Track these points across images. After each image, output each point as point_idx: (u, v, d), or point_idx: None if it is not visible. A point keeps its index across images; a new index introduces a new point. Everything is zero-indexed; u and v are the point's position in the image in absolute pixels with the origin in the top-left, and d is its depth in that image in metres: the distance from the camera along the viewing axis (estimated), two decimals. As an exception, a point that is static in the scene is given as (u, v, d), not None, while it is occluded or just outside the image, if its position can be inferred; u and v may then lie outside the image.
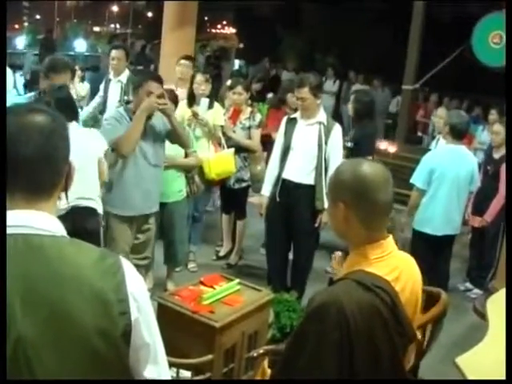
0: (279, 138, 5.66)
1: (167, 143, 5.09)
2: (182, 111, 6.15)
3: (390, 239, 2.19)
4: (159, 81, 4.85)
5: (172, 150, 5.29)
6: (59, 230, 1.57)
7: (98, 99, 7.27)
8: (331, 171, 5.17)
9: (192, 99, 6.23)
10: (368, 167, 2.15)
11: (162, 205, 5.32)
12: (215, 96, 6.70)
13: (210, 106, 6.28)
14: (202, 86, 6.16)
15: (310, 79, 5.42)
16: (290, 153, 5.50)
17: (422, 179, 5.45)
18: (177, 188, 5.54)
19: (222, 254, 6.92)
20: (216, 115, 6.26)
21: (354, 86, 15.06)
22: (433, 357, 3.53)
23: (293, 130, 5.52)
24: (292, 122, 5.58)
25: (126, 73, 6.92)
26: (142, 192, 4.90)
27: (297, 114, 5.60)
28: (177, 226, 5.63)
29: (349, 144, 6.38)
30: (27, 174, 1.53)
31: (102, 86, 7.23)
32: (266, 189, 5.69)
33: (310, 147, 5.40)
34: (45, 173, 1.56)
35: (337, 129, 5.50)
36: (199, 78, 6.19)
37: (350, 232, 2.16)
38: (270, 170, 5.71)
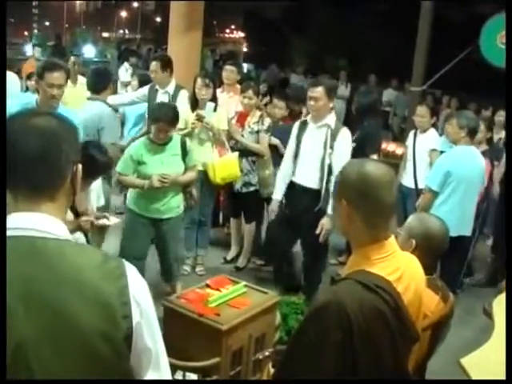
0: (291, 141, 5.66)
1: (167, 163, 5.19)
2: (186, 116, 6.16)
3: (393, 239, 2.18)
4: None
5: (172, 169, 5.22)
6: (63, 233, 1.57)
7: (141, 109, 7.19)
8: (334, 175, 5.18)
9: (195, 103, 6.22)
10: (372, 167, 2.15)
11: (157, 221, 5.27)
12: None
13: (215, 110, 6.28)
14: (202, 90, 6.12)
15: (325, 80, 5.46)
16: (299, 156, 5.49)
17: (437, 181, 5.45)
18: (175, 204, 5.37)
19: (229, 257, 6.91)
20: (219, 119, 6.24)
21: (385, 92, 14.96)
22: (441, 359, 3.51)
23: (303, 133, 5.52)
24: (303, 125, 5.58)
25: (173, 83, 6.78)
26: None
27: (308, 117, 5.59)
28: (171, 243, 5.43)
29: (352, 144, 6.38)
30: (28, 174, 1.54)
31: (142, 93, 7.19)
32: (276, 192, 5.69)
33: (317, 150, 5.38)
34: (44, 173, 1.56)
35: (344, 132, 5.44)
36: (199, 82, 6.15)
37: (353, 231, 2.15)
38: (281, 173, 5.70)
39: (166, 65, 6.82)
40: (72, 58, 8.28)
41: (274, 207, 5.72)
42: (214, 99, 6.29)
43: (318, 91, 5.31)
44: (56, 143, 1.57)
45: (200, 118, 6.05)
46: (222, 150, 6.27)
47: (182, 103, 6.36)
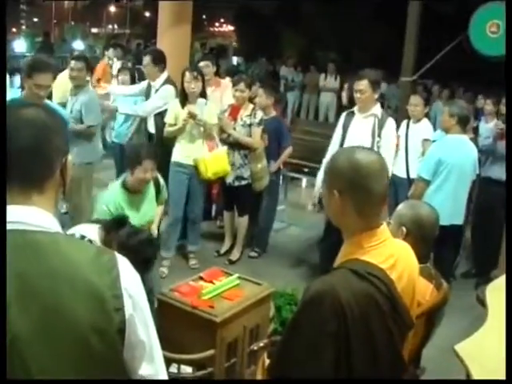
0: (338, 131, 5.80)
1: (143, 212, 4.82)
2: (176, 111, 6.13)
3: (385, 227, 2.17)
4: None
5: (147, 217, 4.84)
6: (53, 225, 1.56)
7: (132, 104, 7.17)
8: None
9: (184, 98, 6.18)
10: (363, 155, 2.13)
11: None
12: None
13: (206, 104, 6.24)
14: (192, 84, 6.08)
15: (369, 73, 5.59)
16: (345, 145, 5.55)
17: (429, 170, 5.50)
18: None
19: (222, 250, 6.91)
20: (210, 114, 6.22)
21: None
22: (436, 347, 3.52)
23: (349, 123, 5.69)
24: (350, 115, 5.75)
25: (161, 78, 6.75)
26: None
27: (355, 108, 5.73)
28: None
29: None
30: (18, 166, 1.53)
31: (141, 87, 7.17)
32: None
33: (364, 139, 5.45)
34: (34, 165, 1.55)
35: (390, 122, 5.65)
36: (188, 76, 6.11)
37: (345, 220, 2.14)
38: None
39: (156, 59, 6.80)
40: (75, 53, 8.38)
41: (316, 193, 5.89)
42: (203, 93, 6.26)
43: (363, 84, 5.54)
44: (45, 134, 1.57)
45: (192, 116, 6.01)
46: (211, 145, 6.26)
47: (163, 98, 6.37)
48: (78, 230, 3.29)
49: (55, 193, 1.62)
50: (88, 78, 6.70)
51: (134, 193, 4.73)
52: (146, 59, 6.78)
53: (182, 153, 6.19)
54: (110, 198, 4.64)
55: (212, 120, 6.20)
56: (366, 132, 5.55)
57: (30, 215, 1.52)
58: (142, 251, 3.29)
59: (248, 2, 25.87)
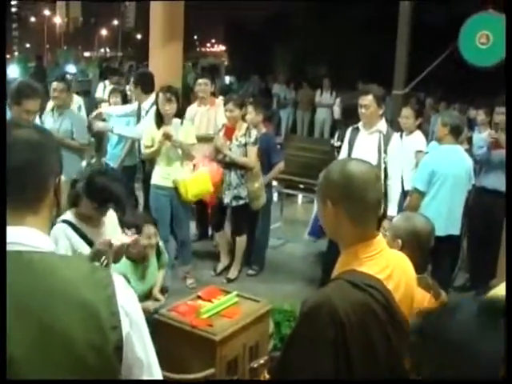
0: (344, 148, 5.80)
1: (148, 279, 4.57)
2: (153, 133, 6.09)
3: (381, 237, 2.17)
4: None
5: (150, 284, 4.60)
6: (48, 246, 1.55)
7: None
8: (391, 180, 5.46)
9: (159, 119, 6.12)
10: (355, 165, 2.14)
11: None
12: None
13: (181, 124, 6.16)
14: (166, 106, 6.01)
15: (374, 88, 5.60)
16: None
17: (423, 181, 5.49)
18: None
19: (219, 269, 6.86)
20: (187, 133, 6.16)
21: None
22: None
23: (355, 139, 5.67)
24: (355, 131, 5.74)
25: (149, 101, 6.83)
26: None
27: (360, 124, 5.71)
28: None
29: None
30: (12, 186, 1.52)
31: (132, 108, 7.25)
32: None
33: (370, 155, 5.40)
34: (28, 185, 1.55)
35: (396, 137, 5.68)
36: (161, 97, 6.05)
37: (341, 231, 2.14)
38: None
39: (140, 82, 6.99)
40: (68, 77, 8.49)
41: None
42: (179, 114, 6.18)
43: (368, 99, 5.52)
44: (38, 155, 1.57)
45: (168, 137, 5.96)
46: (208, 163, 6.27)
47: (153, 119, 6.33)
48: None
49: (49, 213, 1.63)
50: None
51: (137, 259, 4.43)
52: (132, 83, 6.89)
53: (161, 174, 6.14)
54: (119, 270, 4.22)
55: (188, 140, 6.12)
56: (372, 148, 5.53)
57: (25, 236, 1.51)
58: (110, 188, 3.53)
59: (238, 20, 26.04)
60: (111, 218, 3.80)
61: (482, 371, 1.34)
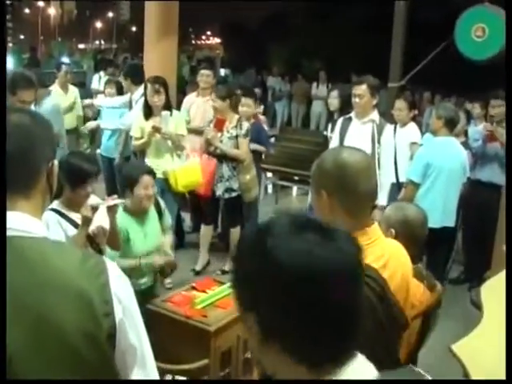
0: (335, 137, 5.77)
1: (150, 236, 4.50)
2: (141, 124, 6.06)
3: (376, 226, 2.17)
4: None
5: (154, 242, 4.54)
6: (41, 230, 1.54)
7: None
8: (383, 169, 5.45)
9: (148, 111, 6.09)
10: (349, 155, 2.13)
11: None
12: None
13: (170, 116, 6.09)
14: (154, 97, 5.98)
15: (369, 78, 5.59)
16: None
17: (418, 173, 5.49)
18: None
19: (198, 268, 6.63)
20: (177, 124, 6.12)
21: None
22: (434, 351, 3.51)
23: (347, 129, 5.65)
24: (347, 121, 5.72)
25: (138, 92, 6.74)
26: None
27: (352, 114, 5.70)
28: None
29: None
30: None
31: (124, 100, 7.23)
32: None
33: (363, 146, 5.30)
34: (19, 171, 1.54)
35: (389, 128, 5.67)
36: (149, 88, 6.02)
37: (335, 220, 2.13)
38: None
39: (127, 73, 7.02)
40: (64, 68, 8.52)
41: None
42: (168, 106, 6.13)
43: (362, 88, 5.52)
44: (30, 140, 1.56)
45: (157, 130, 5.91)
46: (201, 155, 6.26)
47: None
48: None
49: (42, 198, 1.61)
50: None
51: (137, 215, 4.39)
52: (122, 75, 6.90)
53: (151, 166, 6.07)
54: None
55: (179, 130, 6.09)
56: (365, 138, 5.50)
57: (17, 220, 1.50)
58: (81, 166, 3.64)
59: (234, 14, 26.02)
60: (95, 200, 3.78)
61: None
